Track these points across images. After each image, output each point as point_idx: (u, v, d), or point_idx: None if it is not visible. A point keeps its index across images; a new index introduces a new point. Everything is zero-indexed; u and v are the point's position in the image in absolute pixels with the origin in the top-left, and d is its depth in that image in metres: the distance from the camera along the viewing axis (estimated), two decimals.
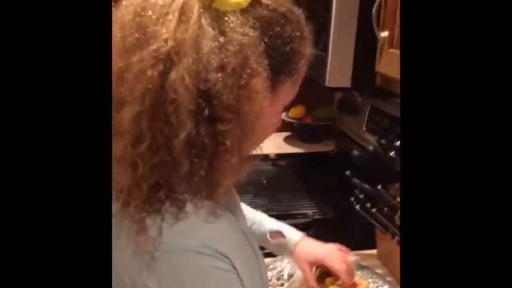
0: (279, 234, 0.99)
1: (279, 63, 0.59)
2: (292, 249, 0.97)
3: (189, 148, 0.54)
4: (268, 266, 1.08)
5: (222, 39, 0.54)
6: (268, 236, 0.98)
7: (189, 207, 0.57)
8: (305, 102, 2.01)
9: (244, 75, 0.54)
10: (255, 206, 1.37)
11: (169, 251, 0.54)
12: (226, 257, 0.56)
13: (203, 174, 0.56)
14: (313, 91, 1.99)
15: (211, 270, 0.55)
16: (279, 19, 0.59)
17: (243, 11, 0.56)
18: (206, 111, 0.53)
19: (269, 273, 1.08)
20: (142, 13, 0.56)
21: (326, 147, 1.95)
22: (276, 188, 1.53)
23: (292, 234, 0.99)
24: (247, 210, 1.02)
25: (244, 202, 1.39)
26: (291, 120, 1.99)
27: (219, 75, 0.53)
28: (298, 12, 0.63)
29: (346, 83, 1.13)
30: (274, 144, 1.98)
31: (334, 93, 2.08)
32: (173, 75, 0.53)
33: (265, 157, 1.81)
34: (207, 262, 0.55)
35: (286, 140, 2.04)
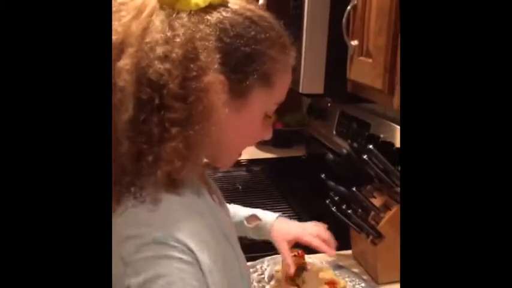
0: (254, 217, 1.04)
1: (240, 63, 0.62)
2: (269, 229, 1.01)
3: (134, 133, 0.58)
4: (249, 268, 1.10)
5: (169, 33, 0.58)
6: (245, 222, 1.02)
7: (151, 198, 0.60)
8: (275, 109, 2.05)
9: (194, 68, 0.58)
10: None
11: (140, 244, 0.58)
12: (190, 249, 0.59)
13: (150, 160, 0.59)
14: None
15: (172, 260, 0.58)
16: (243, 22, 0.62)
17: (201, 11, 0.61)
18: (156, 100, 0.58)
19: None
20: None
21: (297, 151, 1.99)
22: (251, 193, 1.55)
23: (268, 216, 1.04)
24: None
25: None
26: None
27: (165, 65, 0.57)
28: (270, 20, 0.66)
29: (319, 89, 1.17)
30: (245, 150, 1.99)
31: (303, 98, 2.13)
32: (120, 63, 0.58)
33: (237, 163, 1.83)
34: (169, 251, 0.58)
35: (258, 145, 2.07)
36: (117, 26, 0.59)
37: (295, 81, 1.19)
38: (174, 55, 0.58)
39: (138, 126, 0.58)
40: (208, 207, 0.69)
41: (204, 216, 0.66)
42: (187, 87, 0.58)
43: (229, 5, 0.63)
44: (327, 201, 1.12)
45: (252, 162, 1.85)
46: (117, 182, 0.60)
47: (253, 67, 0.63)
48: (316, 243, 1.03)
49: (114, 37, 0.59)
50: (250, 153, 1.97)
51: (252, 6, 0.65)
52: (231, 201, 1.46)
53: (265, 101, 0.67)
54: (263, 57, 0.64)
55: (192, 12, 0.60)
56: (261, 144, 2.07)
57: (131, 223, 0.60)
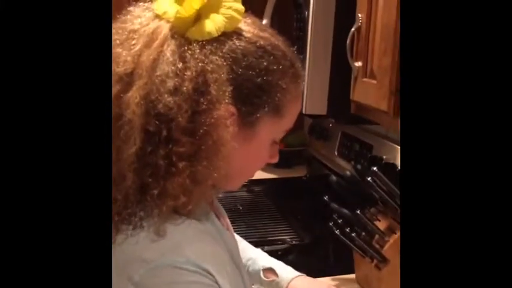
0: (272, 272, 0.96)
1: (251, 94, 0.61)
2: (286, 286, 0.93)
3: (140, 165, 0.57)
4: None
5: (180, 65, 0.56)
6: (261, 274, 0.96)
7: (169, 226, 0.58)
8: None
9: (204, 101, 0.56)
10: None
11: (154, 267, 0.55)
12: (210, 273, 0.57)
13: (155, 193, 0.57)
14: None
15: (193, 285, 0.56)
16: (256, 51, 0.60)
17: (214, 41, 0.58)
18: (164, 133, 0.56)
19: None
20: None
21: (297, 172, 1.97)
22: (252, 214, 1.53)
23: (286, 273, 0.96)
24: (244, 245, 1.02)
25: None
26: None
27: (175, 98, 0.55)
28: (284, 48, 0.64)
29: (322, 110, 1.16)
30: None
31: (305, 118, 2.12)
32: (129, 95, 0.56)
33: None
34: (190, 277, 0.56)
35: None
36: (127, 55, 0.57)
37: None
38: (184, 89, 0.55)
39: (145, 159, 0.56)
40: (218, 231, 0.67)
41: (216, 239, 0.64)
42: (196, 121, 0.56)
43: (242, 32, 0.61)
44: (330, 224, 1.10)
45: (252, 182, 1.83)
46: (118, 213, 0.58)
47: (264, 99, 0.62)
48: None
49: (123, 68, 0.57)
50: None
51: (265, 34, 0.63)
52: (232, 222, 1.45)
53: (274, 130, 0.66)
54: (275, 89, 0.62)
55: (204, 42, 0.58)
56: None
57: (139, 247, 0.57)
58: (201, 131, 0.57)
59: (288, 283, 0.93)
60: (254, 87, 0.60)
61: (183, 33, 0.58)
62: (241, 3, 0.61)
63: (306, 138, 2.00)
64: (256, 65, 0.60)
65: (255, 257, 0.98)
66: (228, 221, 0.78)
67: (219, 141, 0.58)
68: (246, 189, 1.76)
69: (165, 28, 0.58)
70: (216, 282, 0.57)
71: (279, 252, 1.27)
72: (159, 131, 0.56)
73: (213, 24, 0.58)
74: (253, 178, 1.96)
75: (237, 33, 0.60)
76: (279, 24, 1.30)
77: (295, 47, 1.19)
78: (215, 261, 0.59)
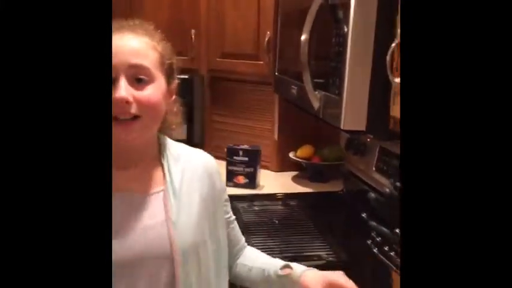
0: (287, 266, 1.01)
1: None
2: (300, 276, 0.97)
3: None
4: None
5: None
6: (279, 271, 1.00)
7: None
8: (313, 142, 2.03)
9: None
10: (268, 248, 1.37)
11: None
12: None
13: None
14: (320, 131, 2.02)
15: None
16: None
17: None
18: None
19: None
20: None
21: (333, 186, 1.95)
22: (288, 228, 1.52)
23: (300, 266, 1.02)
24: (263, 257, 1.07)
25: (257, 243, 1.39)
26: (299, 159, 2.01)
27: None
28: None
29: (361, 126, 1.14)
30: (282, 183, 1.98)
31: (341, 132, 2.10)
32: None
33: (272, 196, 1.82)
34: None
35: (294, 179, 2.05)
36: None
37: (336, 116, 1.17)
38: None
39: None
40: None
41: None
42: None
43: None
44: (368, 242, 1.08)
45: (288, 196, 1.82)
46: None
47: None
48: (347, 283, 0.97)
49: None
50: (286, 187, 1.95)
51: None
52: (267, 236, 1.45)
53: None
54: None
55: None
56: (297, 178, 2.05)
57: None
58: None
59: (303, 272, 0.98)
60: None
61: None
62: None
63: (342, 152, 1.98)
64: None
65: (273, 261, 1.05)
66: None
67: None
68: (281, 202, 1.76)
69: None
70: None
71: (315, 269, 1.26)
72: None
73: None
74: (289, 191, 1.96)
75: None
76: (317, 39, 1.30)
77: (334, 61, 1.19)
78: None
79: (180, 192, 0.91)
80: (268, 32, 1.92)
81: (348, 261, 1.32)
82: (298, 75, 1.43)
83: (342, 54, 1.15)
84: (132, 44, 0.84)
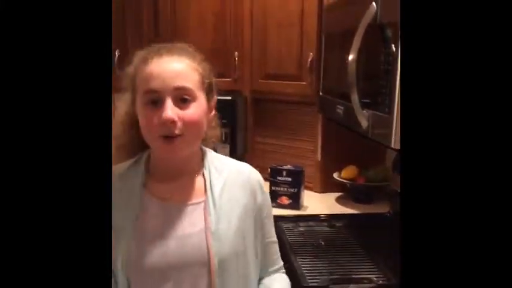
0: None
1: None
2: None
3: None
4: None
5: None
6: None
7: None
8: (356, 163, 2.01)
9: None
10: (316, 269, 1.35)
11: None
12: None
13: None
14: (364, 151, 2.00)
15: None
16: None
17: None
18: None
19: None
20: None
21: (379, 208, 1.91)
22: (335, 249, 1.50)
23: None
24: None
25: (304, 265, 1.37)
26: (344, 180, 1.98)
27: None
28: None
29: None
30: (326, 205, 1.96)
31: (387, 153, 2.07)
32: None
33: (317, 217, 1.79)
34: None
35: (338, 200, 2.02)
36: None
37: (387, 135, 1.16)
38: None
39: None
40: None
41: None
42: None
43: None
44: None
45: (333, 217, 1.80)
46: None
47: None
48: None
49: None
50: (330, 208, 1.92)
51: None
52: (315, 257, 1.43)
53: (138, 99, 0.91)
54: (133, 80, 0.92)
55: None
56: (342, 199, 2.02)
57: None
58: None
59: None
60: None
61: None
62: None
63: (388, 173, 1.95)
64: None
65: None
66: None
67: None
68: (326, 224, 1.73)
69: None
70: None
71: None
72: None
73: None
74: (333, 212, 1.93)
75: None
76: (365, 58, 1.30)
77: (383, 80, 1.18)
78: None
79: (221, 203, 0.94)
80: (311, 53, 1.93)
81: (398, 284, 1.28)
82: (344, 94, 1.42)
83: (391, 72, 1.14)
84: (176, 67, 0.90)
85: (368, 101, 1.29)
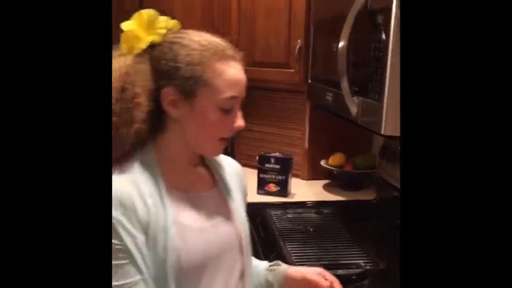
0: (275, 265, 1.07)
1: (165, 76, 0.85)
2: (286, 270, 1.03)
3: None
4: None
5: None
6: (268, 267, 1.07)
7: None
8: (344, 150, 2.02)
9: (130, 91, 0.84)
10: (305, 255, 1.36)
11: None
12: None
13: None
14: (351, 139, 2.01)
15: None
16: (163, 47, 0.86)
17: (141, 53, 0.87)
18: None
19: None
20: None
21: (365, 195, 1.93)
22: (323, 236, 1.51)
23: (285, 264, 1.07)
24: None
25: (293, 251, 1.38)
26: (331, 167, 1.99)
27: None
28: (196, 39, 0.87)
29: None
30: (313, 192, 1.97)
31: (374, 140, 2.09)
32: None
33: (305, 204, 1.81)
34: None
35: (326, 187, 2.03)
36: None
37: (376, 122, 1.16)
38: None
39: None
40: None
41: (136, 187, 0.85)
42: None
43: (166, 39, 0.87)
44: None
45: (320, 204, 1.81)
46: None
47: (173, 77, 0.84)
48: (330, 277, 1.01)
49: None
50: (318, 195, 1.93)
51: (181, 35, 0.88)
52: (303, 244, 1.44)
53: (210, 98, 0.85)
54: (183, 70, 0.84)
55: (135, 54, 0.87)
56: (329, 186, 2.03)
57: None
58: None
59: (287, 268, 1.04)
60: (171, 70, 0.84)
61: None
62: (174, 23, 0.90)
63: (374, 160, 1.96)
64: (162, 55, 0.86)
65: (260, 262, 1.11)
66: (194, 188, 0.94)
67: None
68: (314, 210, 1.74)
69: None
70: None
71: (353, 277, 1.24)
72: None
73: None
74: (321, 199, 1.94)
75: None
76: (354, 45, 1.30)
77: (373, 67, 1.19)
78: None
79: (231, 189, 0.98)
80: (299, 41, 1.93)
81: (386, 269, 1.30)
82: (334, 81, 1.42)
83: (381, 59, 1.15)
84: (244, 76, 0.90)
85: (358, 88, 1.29)
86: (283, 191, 1.89)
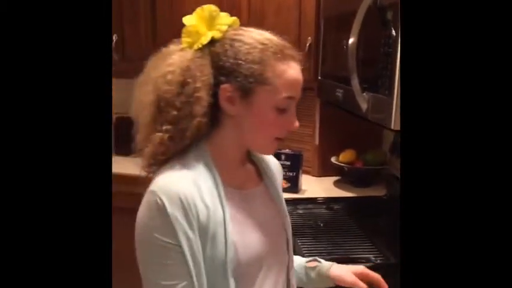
0: (314, 261, 1.08)
1: (224, 73, 0.84)
2: (328, 268, 1.04)
3: None
4: None
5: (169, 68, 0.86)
6: (305, 264, 1.07)
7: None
8: (354, 147, 2.03)
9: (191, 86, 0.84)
10: (316, 250, 1.38)
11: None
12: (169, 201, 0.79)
13: None
14: (362, 135, 2.01)
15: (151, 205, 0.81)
16: (224, 43, 0.86)
17: (202, 48, 0.87)
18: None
19: None
20: None
21: (376, 191, 1.94)
22: (333, 231, 1.52)
23: (326, 261, 1.08)
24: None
25: (304, 246, 1.39)
26: (342, 164, 2.00)
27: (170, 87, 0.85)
28: (257, 37, 0.86)
29: None
30: (324, 188, 1.98)
31: (384, 136, 2.09)
32: None
33: (315, 200, 1.82)
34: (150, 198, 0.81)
35: (336, 184, 2.04)
36: None
37: (386, 118, 1.17)
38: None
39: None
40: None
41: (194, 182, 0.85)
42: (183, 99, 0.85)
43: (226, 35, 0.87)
44: None
45: (330, 200, 1.82)
46: None
47: (235, 74, 0.83)
48: (374, 274, 1.04)
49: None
50: (328, 191, 1.94)
51: (242, 32, 0.87)
52: (313, 238, 1.46)
53: (268, 97, 0.84)
54: (245, 67, 0.83)
55: (195, 50, 0.87)
56: (339, 183, 2.04)
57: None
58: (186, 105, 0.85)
59: (331, 266, 1.04)
60: (231, 66, 0.84)
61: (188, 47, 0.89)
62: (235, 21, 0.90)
63: (385, 156, 1.97)
64: (223, 52, 0.85)
65: (297, 257, 1.10)
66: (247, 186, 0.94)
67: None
68: (325, 206, 1.76)
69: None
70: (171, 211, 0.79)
71: None
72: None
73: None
74: (331, 196, 1.95)
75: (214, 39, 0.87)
76: (365, 41, 1.31)
77: (383, 63, 1.19)
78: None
79: (275, 185, 0.99)
80: (310, 38, 1.94)
81: (396, 263, 1.31)
82: (344, 78, 1.43)
83: (391, 55, 1.15)
84: (301, 77, 0.90)
85: (368, 84, 1.30)
86: (294, 187, 1.90)
